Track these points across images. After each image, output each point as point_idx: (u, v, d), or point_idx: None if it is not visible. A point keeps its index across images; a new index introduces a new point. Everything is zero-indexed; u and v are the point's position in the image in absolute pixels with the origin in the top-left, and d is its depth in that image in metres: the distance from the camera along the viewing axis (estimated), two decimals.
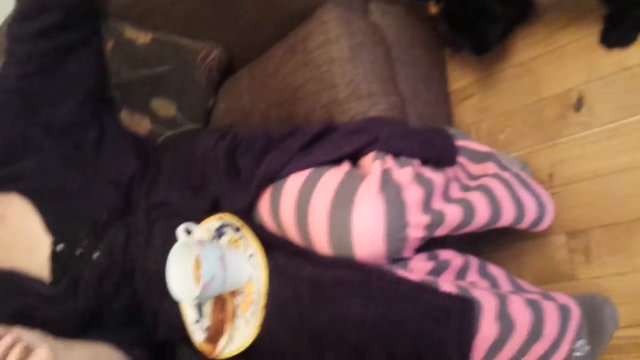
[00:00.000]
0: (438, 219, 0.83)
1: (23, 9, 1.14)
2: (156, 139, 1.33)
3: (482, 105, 1.35)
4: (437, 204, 0.86)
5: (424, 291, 0.78)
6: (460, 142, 1.12)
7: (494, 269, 1.02)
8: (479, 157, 1.06)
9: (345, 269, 0.81)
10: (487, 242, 1.24)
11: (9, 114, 1.10)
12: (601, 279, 1.12)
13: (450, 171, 0.93)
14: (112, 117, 1.30)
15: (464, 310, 0.78)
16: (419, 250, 0.91)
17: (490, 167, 1.02)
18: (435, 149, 0.91)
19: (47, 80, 1.14)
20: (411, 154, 0.89)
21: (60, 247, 1.05)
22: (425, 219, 0.82)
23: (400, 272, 0.81)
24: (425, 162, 0.91)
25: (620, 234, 1.10)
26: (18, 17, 1.15)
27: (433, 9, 1.26)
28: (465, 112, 1.38)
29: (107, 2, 1.21)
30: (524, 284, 1.05)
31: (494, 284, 0.99)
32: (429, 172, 0.88)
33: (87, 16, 1.21)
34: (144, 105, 1.30)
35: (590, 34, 1.18)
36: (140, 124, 1.32)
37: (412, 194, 0.82)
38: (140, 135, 1.31)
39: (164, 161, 1.19)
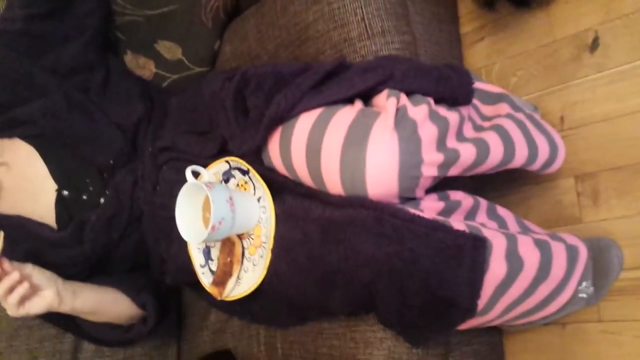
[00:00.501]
0: (452, 157, 0.83)
1: None
2: (161, 83, 1.31)
3: (493, 48, 1.32)
4: (452, 142, 0.85)
5: (437, 229, 0.79)
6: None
7: (502, 211, 1.02)
8: (492, 99, 1.05)
9: (357, 208, 0.81)
10: (493, 187, 1.24)
11: (14, 56, 1.08)
12: (608, 222, 1.12)
13: (464, 110, 0.92)
14: (118, 59, 1.27)
15: (476, 248, 0.78)
16: (429, 191, 0.91)
17: (504, 108, 1.00)
18: (451, 87, 0.89)
19: (54, 22, 1.11)
20: (426, 92, 0.87)
21: (65, 192, 1.05)
22: (439, 157, 0.81)
23: (413, 211, 0.81)
24: (440, 100, 0.89)
25: (628, 176, 1.09)
26: None
27: None
28: (476, 55, 1.35)
29: None
30: (532, 225, 1.06)
31: (502, 225, 1.00)
32: (443, 111, 0.87)
33: None
34: (148, 48, 1.27)
35: None
36: (145, 67, 1.30)
37: (428, 131, 0.81)
38: (146, 79, 1.29)
39: (170, 105, 1.17)
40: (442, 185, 0.92)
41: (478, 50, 1.35)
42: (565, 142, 1.10)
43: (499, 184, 1.23)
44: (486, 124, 0.96)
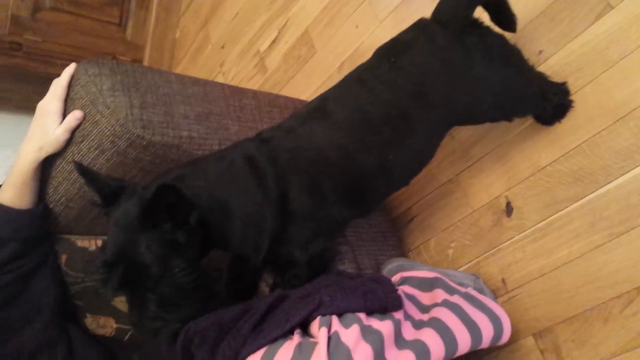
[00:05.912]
0: None
1: None
2: (124, 337, 1.34)
3: (425, 224, 1.41)
4: (391, 353, 0.87)
5: None
6: (407, 273, 1.16)
7: None
8: (427, 285, 1.09)
9: None
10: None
11: None
12: None
13: (398, 314, 0.96)
14: (78, 327, 1.31)
15: None
16: None
17: (439, 295, 1.04)
18: (378, 299, 0.94)
19: (11, 310, 1.14)
20: (355, 309, 0.92)
21: None
22: None
23: None
24: (372, 312, 0.94)
25: (580, 326, 1.11)
26: None
27: None
28: (413, 234, 1.43)
29: (54, 222, 1.26)
30: None
31: None
32: (376, 323, 0.90)
33: (40, 240, 1.22)
34: (106, 306, 1.32)
35: (501, 144, 1.26)
36: (106, 325, 1.33)
37: (362, 354, 0.83)
38: (108, 337, 1.33)
39: None
40: None
41: (413, 228, 1.43)
42: (514, 302, 1.13)
43: (467, 357, 1.23)
44: (425, 316, 1.00)
